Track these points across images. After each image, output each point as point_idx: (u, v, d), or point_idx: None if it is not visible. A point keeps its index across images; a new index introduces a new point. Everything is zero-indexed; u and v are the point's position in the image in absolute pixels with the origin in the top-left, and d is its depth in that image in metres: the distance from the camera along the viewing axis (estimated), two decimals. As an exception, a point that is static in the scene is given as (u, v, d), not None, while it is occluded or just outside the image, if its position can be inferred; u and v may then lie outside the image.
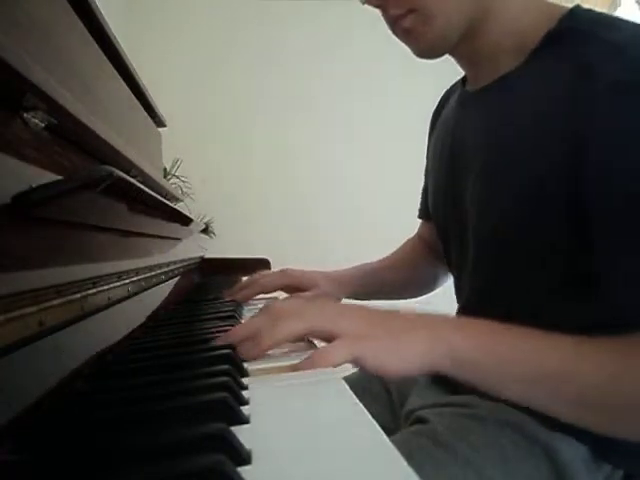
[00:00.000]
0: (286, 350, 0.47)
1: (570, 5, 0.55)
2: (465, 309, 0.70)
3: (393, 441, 0.25)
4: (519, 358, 0.45)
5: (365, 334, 0.43)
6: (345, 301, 0.81)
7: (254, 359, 0.42)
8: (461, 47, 0.60)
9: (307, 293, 0.78)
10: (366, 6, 0.59)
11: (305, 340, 0.48)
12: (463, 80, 0.71)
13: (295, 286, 0.80)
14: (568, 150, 0.49)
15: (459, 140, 0.67)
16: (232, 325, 0.56)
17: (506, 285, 0.61)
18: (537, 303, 0.57)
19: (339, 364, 0.40)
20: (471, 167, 0.63)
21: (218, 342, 0.45)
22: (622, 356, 0.43)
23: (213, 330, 0.54)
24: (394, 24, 0.58)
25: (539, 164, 0.52)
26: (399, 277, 0.91)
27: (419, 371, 0.44)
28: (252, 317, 0.53)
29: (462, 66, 0.66)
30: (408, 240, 0.97)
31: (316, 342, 0.49)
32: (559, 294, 0.55)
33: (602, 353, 0.44)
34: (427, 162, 0.82)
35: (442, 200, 0.73)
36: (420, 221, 0.94)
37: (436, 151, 0.75)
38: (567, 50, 0.51)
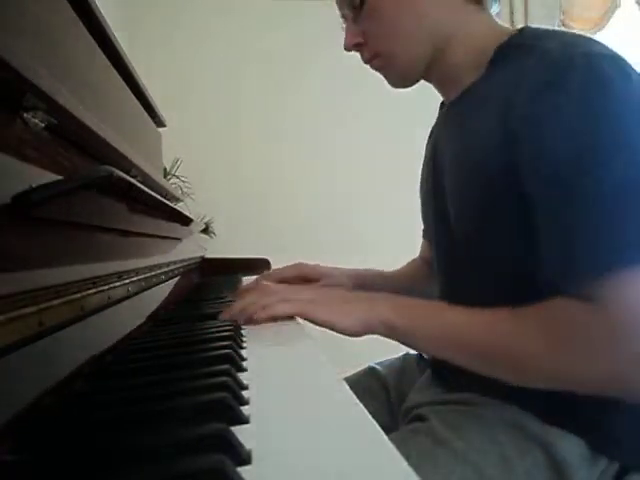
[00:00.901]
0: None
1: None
2: None
3: (392, 439, 0.25)
4: (430, 324, 0.56)
5: (318, 299, 0.59)
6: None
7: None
8: (430, 73, 0.69)
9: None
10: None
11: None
12: (442, 105, 0.78)
13: (308, 277, 0.85)
14: (505, 153, 0.55)
15: (437, 160, 0.72)
16: (231, 325, 0.56)
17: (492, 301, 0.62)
18: None
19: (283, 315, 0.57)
20: (447, 183, 0.68)
21: (223, 317, 0.60)
22: (510, 318, 0.52)
23: (213, 330, 0.54)
24: (368, 64, 0.70)
25: (489, 164, 0.58)
26: (403, 289, 0.92)
27: (358, 331, 0.56)
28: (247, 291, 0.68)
29: (436, 88, 0.74)
30: (412, 261, 0.99)
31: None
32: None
33: (496, 317, 0.53)
34: (420, 187, 0.84)
35: (432, 220, 0.76)
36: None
37: (425, 175, 0.79)
38: (512, 61, 0.58)
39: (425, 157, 0.81)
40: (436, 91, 0.75)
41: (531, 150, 0.52)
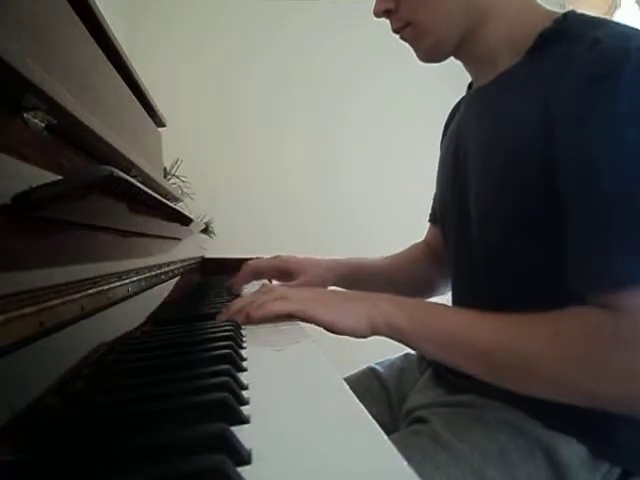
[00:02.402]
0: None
1: (570, 7, 0.57)
2: None
3: (392, 441, 0.25)
4: (435, 325, 0.54)
5: (318, 299, 0.57)
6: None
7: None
8: (462, 50, 0.65)
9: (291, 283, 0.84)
10: (366, 6, 0.67)
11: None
12: (470, 85, 0.75)
13: (284, 269, 0.86)
14: (542, 143, 0.52)
15: (462, 143, 0.69)
16: (231, 325, 0.56)
17: (507, 294, 0.61)
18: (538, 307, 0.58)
19: (284, 312, 0.55)
20: (471, 167, 0.65)
21: (222, 317, 0.59)
22: (519, 323, 0.50)
23: (213, 330, 0.54)
24: (397, 34, 0.66)
25: (522, 156, 0.55)
26: (392, 277, 0.91)
27: (362, 330, 0.54)
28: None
29: (466, 68, 0.70)
30: (415, 244, 0.97)
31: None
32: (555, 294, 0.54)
33: (503, 321, 0.51)
34: (438, 169, 0.83)
35: (447, 203, 0.74)
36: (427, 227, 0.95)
37: (445, 156, 0.77)
38: (557, 48, 0.54)
39: (446, 139, 0.78)
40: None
41: (570, 146, 0.49)
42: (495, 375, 0.52)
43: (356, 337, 0.55)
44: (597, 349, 0.46)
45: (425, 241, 0.95)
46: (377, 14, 0.66)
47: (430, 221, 0.94)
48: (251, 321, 0.56)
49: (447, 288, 0.89)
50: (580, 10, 0.58)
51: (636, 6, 2.43)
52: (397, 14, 0.64)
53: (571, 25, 0.55)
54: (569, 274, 0.49)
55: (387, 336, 0.55)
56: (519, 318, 0.50)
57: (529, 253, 0.57)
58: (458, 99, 0.82)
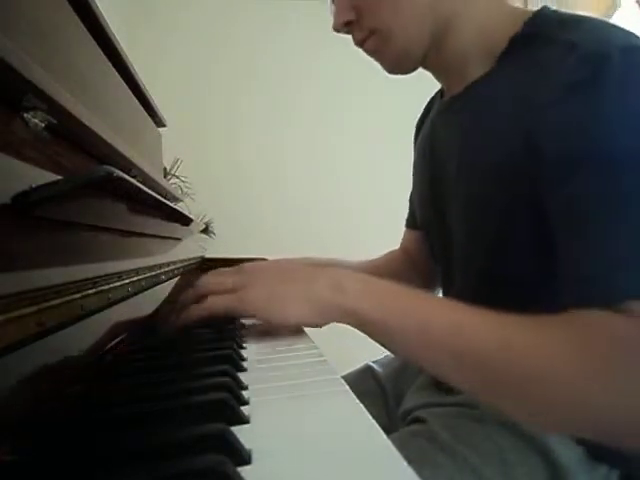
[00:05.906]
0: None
1: (564, 8, 0.56)
2: None
3: (390, 441, 0.25)
4: (417, 315, 0.45)
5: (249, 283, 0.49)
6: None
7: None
8: (430, 59, 0.62)
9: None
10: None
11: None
12: (442, 91, 0.72)
13: None
14: (525, 150, 0.50)
15: (436, 150, 0.69)
16: (232, 325, 0.55)
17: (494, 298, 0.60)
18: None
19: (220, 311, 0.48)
20: (448, 178, 0.65)
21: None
22: (518, 326, 0.42)
23: (213, 330, 0.54)
24: (361, 46, 0.62)
25: (502, 166, 0.53)
26: None
27: (315, 320, 0.47)
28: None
29: (435, 77, 0.68)
30: (391, 252, 0.93)
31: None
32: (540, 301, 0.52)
33: (494, 321, 0.43)
34: (413, 171, 0.81)
35: (427, 211, 0.73)
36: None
37: (419, 160, 0.76)
38: (529, 54, 0.52)
39: (420, 142, 0.76)
40: (429, 94, 0.72)
41: (557, 158, 0.46)
42: (499, 395, 0.44)
43: (308, 327, 0.49)
44: (628, 357, 0.39)
45: (402, 249, 0.91)
46: (337, 28, 0.61)
47: (408, 226, 0.89)
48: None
49: None
50: (579, 11, 0.57)
51: (636, 6, 2.43)
52: (359, 24, 0.60)
53: (542, 27, 0.53)
54: (575, 283, 0.44)
55: (351, 325, 0.47)
56: (532, 322, 0.42)
57: (513, 270, 0.56)
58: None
